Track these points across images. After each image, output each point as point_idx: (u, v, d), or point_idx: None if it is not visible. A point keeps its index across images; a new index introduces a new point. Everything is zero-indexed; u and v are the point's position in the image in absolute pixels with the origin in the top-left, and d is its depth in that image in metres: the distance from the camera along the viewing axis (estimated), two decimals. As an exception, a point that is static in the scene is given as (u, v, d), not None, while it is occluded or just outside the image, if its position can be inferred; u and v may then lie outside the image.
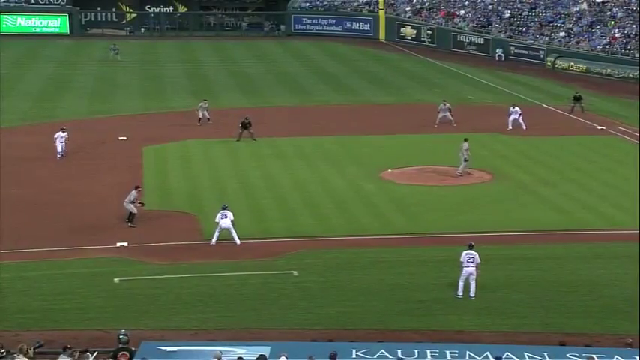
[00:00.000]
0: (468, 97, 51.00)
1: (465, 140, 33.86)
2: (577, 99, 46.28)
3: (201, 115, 42.31)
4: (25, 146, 37.61)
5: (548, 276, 23.77)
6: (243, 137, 38.79)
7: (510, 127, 41.87)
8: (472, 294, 22.01)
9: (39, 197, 30.45)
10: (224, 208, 25.96)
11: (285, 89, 53.94)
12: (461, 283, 22.09)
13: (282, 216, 28.75)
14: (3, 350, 16.94)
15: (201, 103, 42.91)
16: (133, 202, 27.43)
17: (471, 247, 22.30)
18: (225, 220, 25.62)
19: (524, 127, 41.58)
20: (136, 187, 28.03)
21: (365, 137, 40.59)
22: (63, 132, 36.20)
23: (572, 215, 29.20)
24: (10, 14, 75.09)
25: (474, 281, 22.01)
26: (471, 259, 22.00)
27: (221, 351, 16.33)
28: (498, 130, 41.90)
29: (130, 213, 27.34)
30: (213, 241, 25.69)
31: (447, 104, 42.82)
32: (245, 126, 38.92)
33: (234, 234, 25.74)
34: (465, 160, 33.55)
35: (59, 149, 35.72)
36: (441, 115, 42.54)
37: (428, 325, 20.46)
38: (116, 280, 23.13)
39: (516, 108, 42.54)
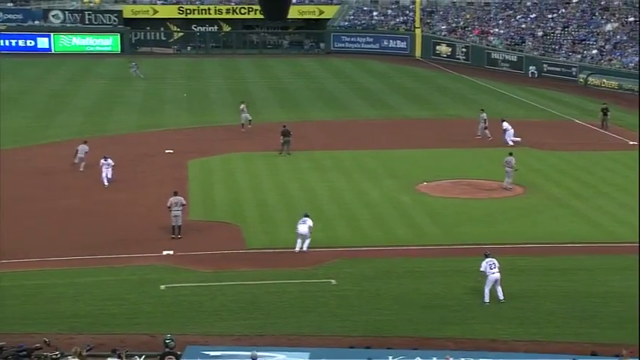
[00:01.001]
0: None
1: (510, 154, 33.72)
2: (604, 112, 45.50)
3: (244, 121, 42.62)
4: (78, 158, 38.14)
5: (580, 287, 23.48)
6: (282, 150, 38.67)
7: (509, 141, 41.05)
8: (502, 297, 22.10)
9: (90, 207, 30.86)
10: (305, 216, 26.18)
11: (324, 104, 54.06)
12: (487, 290, 22.16)
13: (320, 226, 28.73)
14: (57, 352, 17.19)
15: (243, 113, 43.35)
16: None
17: (487, 256, 22.48)
18: (302, 226, 25.84)
19: (489, 137, 41.55)
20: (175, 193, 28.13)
21: (401, 151, 40.51)
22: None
23: (605, 228, 28.80)
24: (66, 34, 76.43)
25: (499, 286, 22.12)
26: (494, 266, 22.17)
27: (257, 354, 16.32)
28: (530, 144, 41.55)
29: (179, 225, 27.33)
30: (297, 248, 25.78)
31: (484, 114, 42.59)
32: (285, 134, 38.86)
33: (307, 242, 25.84)
34: (510, 173, 33.14)
35: (106, 177, 33.66)
36: (481, 125, 42.40)
37: (462, 334, 20.32)
38: (162, 287, 23.33)
39: (505, 123, 41.90)
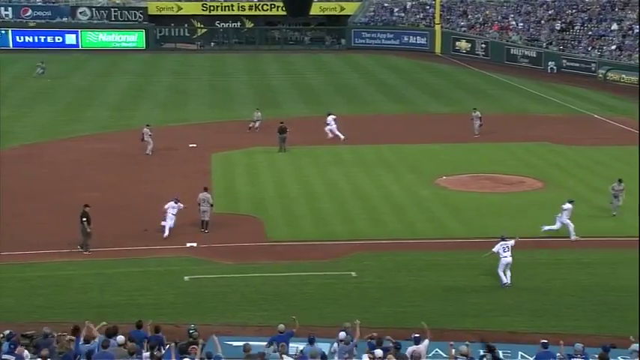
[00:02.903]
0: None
1: (620, 181, 29.27)
2: None
3: (254, 125, 42.81)
4: (104, 152, 38.40)
5: (600, 281, 23.25)
6: (279, 145, 38.33)
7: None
8: (509, 281, 22.34)
9: (116, 200, 31.00)
10: None
11: (345, 99, 53.92)
12: (501, 273, 22.36)
13: (341, 220, 28.71)
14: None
15: (256, 113, 43.40)
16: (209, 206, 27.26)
17: (503, 239, 22.63)
18: None
19: (342, 137, 40.29)
20: (205, 188, 27.97)
21: (420, 145, 40.30)
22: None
23: (625, 222, 28.46)
24: (92, 31, 76.85)
25: (509, 270, 22.37)
26: (507, 249, 22.36)
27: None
28: (548, 139, 41.20)
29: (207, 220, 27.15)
30: None
31: (477, 112, 41.61)
32: (281, 131, 38.53)
33: None
34: (615, 200, 28.94)
35: (168, 224, 26.62)
36: (475, 123, 41.47)
37: (482, 326, 20.17)
38: (186, 278, 23.39)
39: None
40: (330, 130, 40.68)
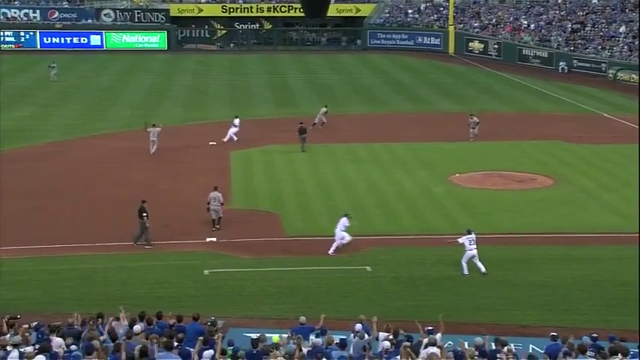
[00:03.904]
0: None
1: None
2: None
3: (317, 120, 42.94)
4: (126, 149, 38.58)
5: (609, 276, 23.10)
6: (301, 145, 38.15)
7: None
8: (484, 270, 22.70)
9: (138, 196, 31.04)
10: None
11: (361, 99, 53.87)
12: (464, 264, 22.92)
13: (357, 215, 28.59)
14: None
15: (322, 110, 43.71)
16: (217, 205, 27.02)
17: (469, 232, 23.05)
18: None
19: (231, 140, 39.37)
20: (215, 188, 27.54)
21: (434, 143, 40.19)
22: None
23: (633, 219, 28.25)
24: (116, 32, 77.25)
25: (479, 261, 22.83)
26: (473, 242, 22.81)
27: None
28: (559, 137, 40.96)
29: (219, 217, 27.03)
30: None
31: (475, 118, 40.06)
32: (301, 131, 38.43)
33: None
34: None
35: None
36: (471, 129, 39.96)
37: (493, 320, 20.11)
38: (206, 272, 23.46)
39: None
40: (231, 132, 39.65)
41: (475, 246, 22.96)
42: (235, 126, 40.19)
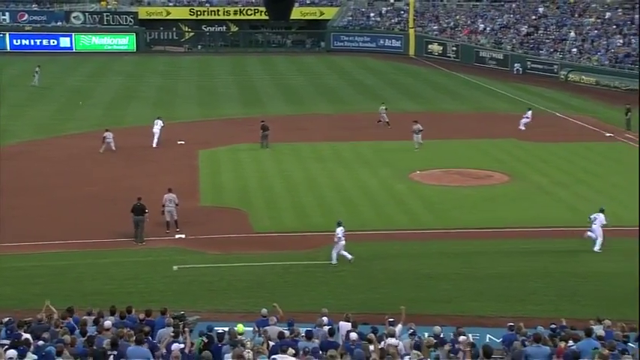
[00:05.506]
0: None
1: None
2: (627, 112, 42.37)
3: (381, 119, 43.42)
4: (97, 149, 38.08)
5: (561, 267, 23.42)
6: (260, 142, 38.19)
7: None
8: (350, 257, 23.31)
9: (109, 194, 30.79)
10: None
11: (325, 99, 53.89)
12: (335, 254, 23.32)
13: (321, 212, 28.71)
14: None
15: (381, 107, 44.18)
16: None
17: (340, 224, 23.42)
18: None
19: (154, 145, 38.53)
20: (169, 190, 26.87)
21: (395, 142, 40.35)
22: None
23: (584, 213, 28.60)
24: (86, 34, 76.23)
25: (345, 251, 23.30)
26: (343, 233, 23.25)
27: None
28: (514, 135, 41.42)
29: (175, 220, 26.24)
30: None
31: (418, 125, 38.97)
32: (264, 128, 38.39)
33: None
34: None
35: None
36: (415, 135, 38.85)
37: (452, 311, 20.26)
38: (175, 267, 23.28)
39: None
40: (155, 133, 39.02)
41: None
42: (157, 126, 39.11)
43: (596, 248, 24.70)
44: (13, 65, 65.16)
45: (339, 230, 23.64)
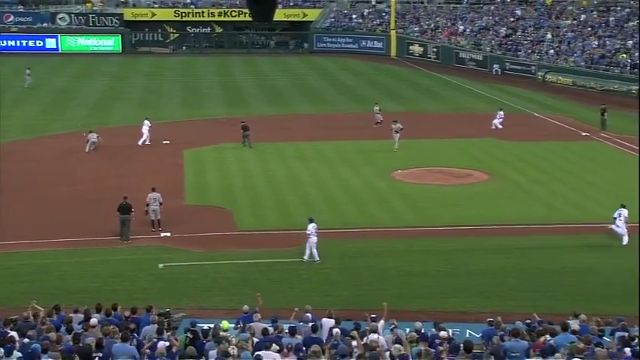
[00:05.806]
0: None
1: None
2: (603, 112, 42.56)
3: (379, 119, 43.28)
4: (82, 149, 37.83)
5: (538, 264, 23.57)
6: (241, 141, 38.19)
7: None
8: (318, 258, 23.29)
9: (94, 193, 30.60)
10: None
11: (308, 99, 53.85)
12: (308, 251, 23.34)
13: (304, 210, 28.63)
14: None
15: (375, 108, 44.15)
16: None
17: (312, 221, 23.56)
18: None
19: (140, 142, 38.54)
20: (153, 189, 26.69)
21: (378, 141, 40.40)
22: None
23: (560, 210, 28.92)
24: (72, 35, 75.66)
25: (315, 249, 23.36)
26: (315, 229, 23.40)
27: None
28: (493, 135, 41.61)
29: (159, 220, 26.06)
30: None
31: (398, 124, 39.02)
32: (245, 128, 38.38)
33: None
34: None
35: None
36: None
37: (433, 307, 20.32)
38: (160, 265, 23.20)
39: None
40: (144, 133, 39.01)
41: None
42: (145, 127, 39.12)
43: (624, 243, 24.72)
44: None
45: (311, 227, 23.66)
